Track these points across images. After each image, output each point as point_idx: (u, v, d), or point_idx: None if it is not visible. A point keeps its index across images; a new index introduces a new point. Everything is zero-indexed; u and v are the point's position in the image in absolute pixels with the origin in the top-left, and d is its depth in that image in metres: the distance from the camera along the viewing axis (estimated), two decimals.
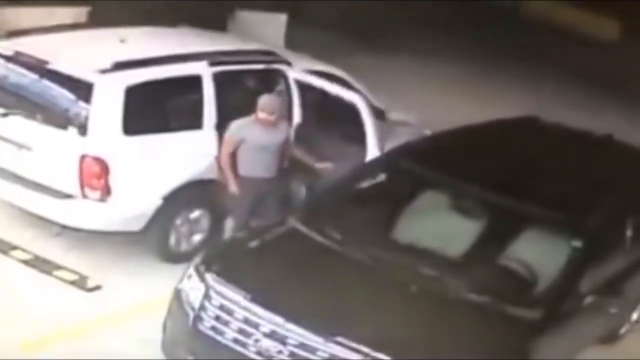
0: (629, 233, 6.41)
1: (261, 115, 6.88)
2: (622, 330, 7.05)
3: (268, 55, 8.07)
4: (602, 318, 6.17)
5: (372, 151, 7.26)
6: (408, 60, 12.93)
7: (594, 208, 6.15)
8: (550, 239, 6.02)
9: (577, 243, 5.88)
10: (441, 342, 5.16)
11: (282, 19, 12.32)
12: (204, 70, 7.27)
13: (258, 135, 6.92)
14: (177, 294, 5.66)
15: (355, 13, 13.91)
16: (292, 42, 11.14)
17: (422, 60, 13.07)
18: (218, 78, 7.32)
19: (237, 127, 6.97)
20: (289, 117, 7.76)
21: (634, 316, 7.19)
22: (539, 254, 5.91)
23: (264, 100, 6.98)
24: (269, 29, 11.63)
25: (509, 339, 5.31)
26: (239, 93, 7.81)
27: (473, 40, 14.11)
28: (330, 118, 7.58)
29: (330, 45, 11.22)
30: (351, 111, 7.45)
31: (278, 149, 7.06)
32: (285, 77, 7.84)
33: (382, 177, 6.60)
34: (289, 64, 7.94)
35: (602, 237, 5.99)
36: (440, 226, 6.21)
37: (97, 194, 6.75)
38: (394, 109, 8.39)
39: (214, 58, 7.42)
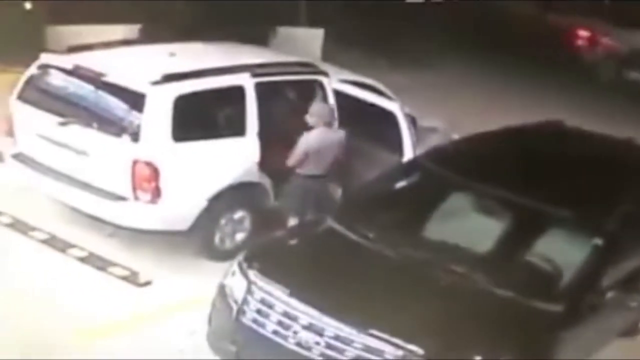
0: None
1: (312, 120, 7.04)
2: None
3: (306, 66, 8.08)
4: (623, 312, 6.08)
5: (408, 155, 7.26)
6: (436, 75, 12.87)
7: (614, 208, 6.05)
8: (573, 237, 5.93)
9: (598, 241, 5.79)
10: (469, 334, 5.10)
11: (319, 34, 12.36)
12: (247, 82, 7.30)
13: (323, 139, 7.03)
14: (222, 289, 5.67)
15: (386, 31, 13.89)
16: (328, 56, 11.14)
17: (449, 74, 13.00)
18: (260, 88, 7.34)
19: (307, 137, 7.10)
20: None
21: None
22: (562, 251, 5.81)
23: (312, 106, 7.18)
24: (307, 43, 11.68)
25: (534, 332, 5.24)
26: (280, 102, 7.85)
27: (498, 50, 13.97)
28: (364, 126, 7.56)
29: (363, 59, 11.21)
30: (384, 119, 7.44)
31: (330, 151, 7.07)
32: (322, 87, 7.84)
33: (413, 179, 6.57)
34: (326, 74, 7.94)
35: (622, 235, 5.89)
36: (467, 225, 6.14)
37: (148, 196, 6.80)
38: (424, 116, 8.35)
39: (255, 70, 7.44)
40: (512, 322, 5.25)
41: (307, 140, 7.04)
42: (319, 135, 7.05)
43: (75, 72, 7.16)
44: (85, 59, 7.25)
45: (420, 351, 4.99)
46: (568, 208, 5.93)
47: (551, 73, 13.62)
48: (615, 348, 6.34)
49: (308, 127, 7.92)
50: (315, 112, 7.09)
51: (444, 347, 5.02)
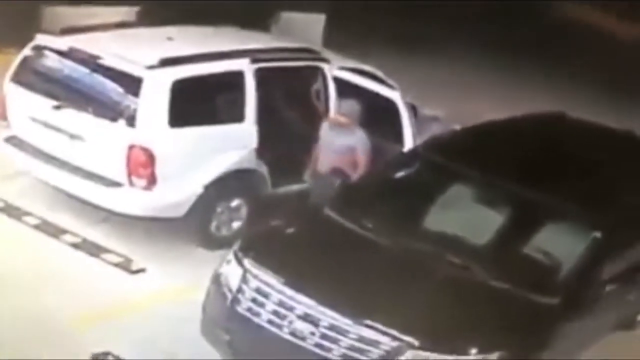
0: None
1: (333, 115, 7.01)
2: None
3: (307, 52, 8.06)
4: (621, 305, 6.10)
5: (409, 144, 7.24)
6: (438, 64, 12.83)
7: (614, 201, 6.07)
8: (572, 230, 5.94)
9: (597, 234, 5.81)
10: (466, 326, 5.13)
11: (320, 19, 12.31)
12: (246, 67, 7.28)
13: (325, 134, 6.98)
14: (217, 277, 5.68)
15: (389, 16, 13.85)
16: (330, 42, 11.11)
17: (451, 63, 12.96)
18: (259, 74, 7.33)
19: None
20: (325, 111, 7.77)
21: None
22: (561, 244, 5.84)
23: (344, 103, 7.11)
24: (308, 29, 11.63)
25: (531, 325, 5.27)
26: (279, 89, 7.83)
27: (501, 40, 13.93)
28: (364, 114, 7.54)
29: (365, 48, 11.16)
30: (384, 107, 7.43)
31: (347, 153, 6.93)
32: (323, 74, 7.83)
33: (412, 169, 6.56)
34: (327, 61, 7.92)
35: (621, 228, 5.90)
36: (467, 216, 6.15)
37: (143, 182, 6.80)
38: (424, 105, 8.34)
39: (255, 55, 7.42)
40: (509, 315, 5.27)
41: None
42: (330, 132, 6.97)
43: (70, 55, 7.14)
44: (81, 41, 7.22)
45: (415, 342, 5.02)
46: (568, 200, 5.95)
47: (556, 61, 13.60)
48: (613, 341, 6.38)
49: (307, 115, 7.94)
50: (346, 110, 6.99)
51: (440, 339, 5.04)
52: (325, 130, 7.09)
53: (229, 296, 5.50)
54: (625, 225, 5.93)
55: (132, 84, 6.83)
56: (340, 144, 6.95)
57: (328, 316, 5.18)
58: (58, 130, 7.04)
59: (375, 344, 5.06)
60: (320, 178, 6.88)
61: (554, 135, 7.00)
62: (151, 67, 6.85)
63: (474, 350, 5.00)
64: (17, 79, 7.31)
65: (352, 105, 7.05)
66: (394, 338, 5.04)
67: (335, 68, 7.88)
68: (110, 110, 6.88)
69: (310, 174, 7.18)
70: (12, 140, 7.40)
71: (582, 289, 5.57)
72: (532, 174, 6.19)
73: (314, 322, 5.20)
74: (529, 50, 13.87)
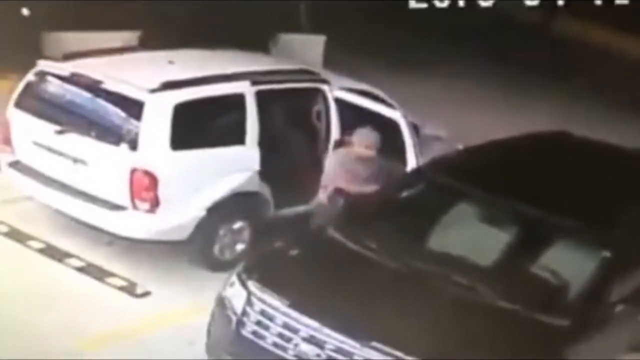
0: None
1: (358, 149, 6.76)
2: None
3: (307, 74, 8.08)
4: (633, 326, 6.05)
5: (412, 164, 7.24)
6: (439, 82, 12.86)
7: (623, 219, 6.00)
8: (580, 249, 5.88)
9: (606, 253, 5.76)
10: (473, 348, 5.07)
11: (320, 41, 12.35)
12: (247, 89, 7.30)
13: (349, 165, 6.79)
14: (221, 300, 5.65)
15: (389, 37, 13.91)
16: (330, 62, 11.15)
17: (453, 82, 12.98)
18: (260, 96, 7.35)
19: (335, 156, 6.95)
20: (327, 134, 7.78)
21: None
22: (569, 263, 5.78)
23: (362, 133, 6.82)
24: (308, 50, 11.67)
25: (540, 347, 5.20)
26: (280, 110, 7.85)
27: (503, 59, 13.97)
28: None
29: (365, 66, 11.20)
30: (386, 128, 7.43)
31: (370, 181, 6.76)
32: (324, 95, 7.85)
33: (416, 189, 6.54)
34: (327, 82, 7.95)
35: (630, 247, 5.86)
36: (472, 236, 6.11)
37: (146, 205, 6.80)
38: (427, 124, 8.35)
39: (256, 77, 7.45)
40: (516, 336, 5.22)
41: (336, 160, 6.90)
42: (348, 158, 6.84)
43: (72, 80, 7.18)
44: (83, 66, 7.26)
45: None
46: (575, 219, 5.90)
47: (557, 81, 13.62)
48: None
49: (309, 136, 7.94)
50: (362, 139, 6.75)
51: None
52: (347, 161, 6.87)
53: (234, 319, 5.47)
54: (635, 244, 5.88)
55: (134, 107, 6.85)
56: (365, 174, 6.81)
57: (334, 338, 5.14)
58: (61, 154, 7.06)
59: None
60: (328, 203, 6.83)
61: (559, 154, 6.96)
62: (153, 91, 6.88)
63: None
64: (21, 104, 7.34)
65: (375, 137, 6.82)
66: None
67: (336, 89, 7.90)
68: (112, 134, 6.91)
69: (320, 201, 7.07)
70: (16, 165, 7.42)
71: (591, 309, 5.51)
72: (537, 192, 6.14)
73: (320, 345, 5.16)
74: (531, 67, 13.89)
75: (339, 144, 7.54)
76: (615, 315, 5.66)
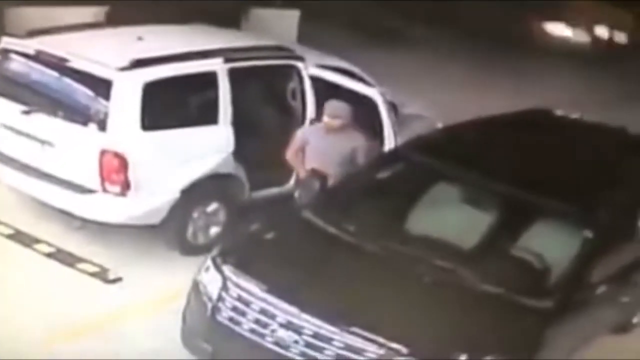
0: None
1: (325, 119, 6.80)
2: (635, 319, 6.92)
3: (281, 51, 7.96)
4: (615, 307, 6.08)
5: (389, 144, 7.17)
6: (418, 56, 12.80)
7: (605, 199, 6.01)
8: (562, 230, 5.89)
9: (588, 234, 5.76)
10: (455, 332, 5.06)
11: (294, 15, 12.21)
12: (219, 67, 7.18)
13: (319, 139, 6.80)
14: (196, 286, 5.58)
15: (367, 10, 13.80)
16: (304, 38, 11.04)
17: (432, 56, 12.94)
18: (233, 74, 7.22)
19: (305, 129, 6.95)
20: (302, 113, 7.68)
21: None
22: (551, 244, 5.78)
23: (329, 104, 6.87)
24: (281, 25, 11.53)
25: (522, 329, 5.21)
26: (254, 89, 7.74)
27: (483, 35, 13.94)
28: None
29: (341, 41, 11.10)
30: (363, 106, 7.36)
31: (345, 159, 6.71)
32: (299, 73, 7.74)
33: (395, 169, 6.50)
34: (302, 59, 7.84)
35: (613, 228, 5.87)
36: (453, 218, 6.10)
37: (116, 188, 6.68)
38: (406, 103, 8.29)
39: (228, 55, 7.31)
40: (499, 319, 5.21)
41: (304, 133, 6.89)
42: (323, 137, 6.79)
43: (37, 58, 7.01)
44: (48, 44, 7.08)
45: (403, 350, 4.95)
46: (557, 199, 5.89)
47: (536, 55, 13.64)
48: (608, 345, 6.37)
49: (284, 115, 7.84)
50: (327, 109, 6.78)
51: (428, 345, 4.97)
52: (318, 136, 6.86)
53: (209, 305, 5.41)
54: (617, 225, 5.90)
55: (102, 86, 6.70)
56: (341, 149, 6.74)
57: (312, 324, 5.10)
58: (28, 136, 6.91)
59: (361, 351, 4.98)
60: (306, 182, 6.76)
61: (540, 132, 6.96)
62: (121, 69, 6.73)
63: (463, 357, 4.93)
64: None
65: (341, 106, 6.84)
66: (381, 345, 4.96)
67: (311, 66, 7.80)
68: (80, 115, 6.76)
69: (298, 180, 7.04)
70: None
71: (574, 291, 5.52)
72: (518, 172, 6.13)
73: (298, 331, 5.12)
74: (511, 45, 13.88)
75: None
76: (598, 296, 5.69)
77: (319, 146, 6.80)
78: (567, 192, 5.96)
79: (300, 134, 7.01)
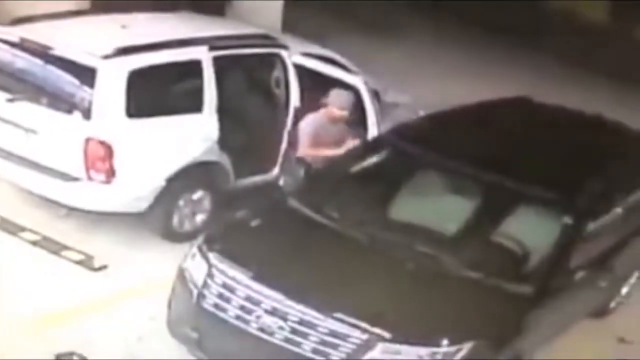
0: (618, 210, 6.40)
1: (332, 109, 6.82)
2: (613, 304, 7.06)
3: (266, 39, 7.99)
4: (593, 292, 6.17)
5: (372, 132, 7.23)
6: (402, 44, 12.82)
7: (584, 186, 6.11)
8: (542, 216, 5.99)
9: (567, 220, 5.85)
10: (437, 317, 5.15)
11: (279, 3, 12.18)
12: (204, 55, 7.20)
13: (324, 128, 6.85)
14: (181, 273, 5.63)
15: (350, 1, 13.80)
16: (289, 25, 11.04)
17: (416, 44, 12.96)
18: (218, 62, 7.25)
19: (308, 121, 6.91)
20: (286, 101, 7.73)
21: (624, 290, 7.19)
22: (531, 230, 5.88)
23: (337, 93, 6.89)
24: (266, 13, 11.51)
25: (503, 314, 5.30)
26: (239, 77, 7.77)
27: (467, 21, 13.96)
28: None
29: (326, 29, 11.12)
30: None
31: (340, 141, 6.91)
32: (282, 61, 7.78)
33: (378, 157, 6.56)
34: (286, 47, 7.88)
35: (591, 214, 5.98)
36: (435, 205, 6.18)
37: (101, 176, 6.71)
38: (389, 90, 8.34)
39: (213, 43, 7.34)
40: (480, 304, 5.29)
41: (311, 126, 6.87)
42: (322, 119, 6.86)
43: (21, 46, 7.00)
44: (32, 32, 7.08)
45: (386, 335, 5.02)
46: (538, 186, 5.98)
47: (521, 43, 13.67)
48: (584, 328, 6.48)
49: (268, 104, 7.88)
50: (335, 100, 6.84)
51: (410, 331, 5.05)
52: (322, 125, 6.89)
53: (195, 292, 5.46)
54: (596, 211, 5.99)
55: (86, 74, 6.71)
56: (334, 136, 6.87)
57: (297, 310, 5.16)
58: (13, 124, 6.91)
59: (345, 337, 5.05)
60: (291, 169, 6.83)
61: (520, 120, 7.05)
62: (106, 57, 6.74)
63: (445, 342, 5.01)
64: None
65: (349, 98, 6.93)
66: (365, 331, 5.04)
67: (295, 54, 7.84)
68: (65, 103, 6.77)
69: (284, 167, 7.10)
70: None
71: (553, 276, 5.61)
72: (499, 159, 6.21)
73: (283, 317, 5.18)
74: (497, 32, 13.90)
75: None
76: (577, 282, 5.77)
77: (327, 134, 6.86)
78: (548, 179, 6.05)
79: (310, 129, 6.94)
